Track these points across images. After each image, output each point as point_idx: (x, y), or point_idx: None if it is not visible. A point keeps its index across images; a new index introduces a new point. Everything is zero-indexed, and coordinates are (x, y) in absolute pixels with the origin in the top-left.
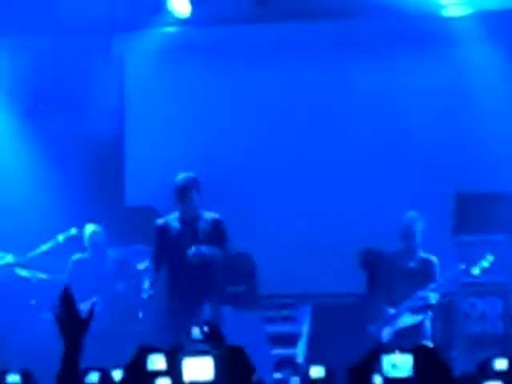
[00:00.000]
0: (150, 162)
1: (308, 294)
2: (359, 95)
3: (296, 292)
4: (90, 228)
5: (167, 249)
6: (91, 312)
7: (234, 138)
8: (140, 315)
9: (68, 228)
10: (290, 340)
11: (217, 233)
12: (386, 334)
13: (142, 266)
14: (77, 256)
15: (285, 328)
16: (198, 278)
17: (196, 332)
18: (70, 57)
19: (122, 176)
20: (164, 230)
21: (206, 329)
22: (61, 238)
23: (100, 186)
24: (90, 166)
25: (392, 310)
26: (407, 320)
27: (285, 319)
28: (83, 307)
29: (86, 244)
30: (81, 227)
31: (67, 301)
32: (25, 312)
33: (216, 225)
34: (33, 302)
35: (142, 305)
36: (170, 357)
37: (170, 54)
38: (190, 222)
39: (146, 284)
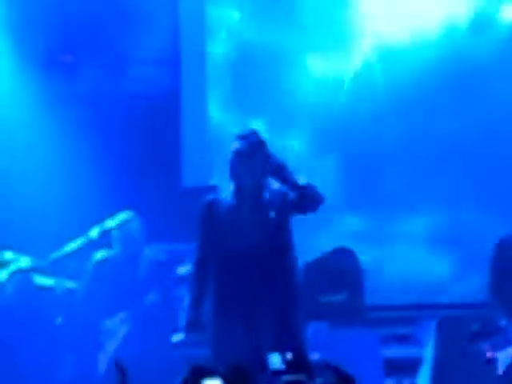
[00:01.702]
0: (216, 127)
1: (432, 305)
2: None
3: (416, 302)
4: (120, 216)
5: (215, 235)
6: None
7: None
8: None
9: (103, 219)
10: (409, 366)
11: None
12: (505, 358)
13: (183, 269)
14: (101, 254)
15: (401, 351)
16: (268, 280)
17: (276, 360)
18: None
19: (178, 148)
20: (212, 208)
21: (289, 356)
22: (94, 232)
23: (149, 162)
24: (134, 136)
25: None
26: None
27: (401, 339)
28: (110, 325)
29: (114, 238)
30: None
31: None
32: (47, 334)
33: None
34: (58, 320)
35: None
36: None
37: None
38: (249, 194)
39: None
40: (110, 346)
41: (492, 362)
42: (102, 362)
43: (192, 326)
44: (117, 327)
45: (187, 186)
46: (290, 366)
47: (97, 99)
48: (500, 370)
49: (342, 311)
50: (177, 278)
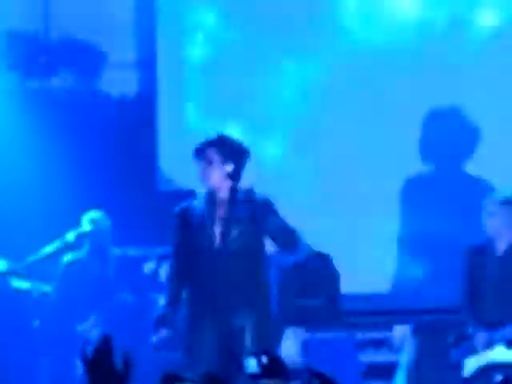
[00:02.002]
0: (193, 130)
1: (407, 310)
2: None
3: (391, 307)
4: (88, 216)
5: (189, 242)
6: (127, 365)
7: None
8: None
9: (80, 222)
10: (385, 372)
11: (265, 216)
12: (471, 366)
13: (150, 266)
14: (69, 257)
15: (377, 356)
16: (240, 285)
17: (252, 364)
18: None
19: (154, 151)
20: (185, 215)
21: (264, 360)
22: (71, 236)
23: (124, 165)
24: (110, 139)
25: (483, 335)
26: (503, 354)
27: (377, 344)
28: (81, 330)
29: (83, 237)
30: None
31: (104, 354)
32: (24, 338)
33: (261, 206)
34: (36, 323)
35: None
36: None
37: None
38: (221, 201)
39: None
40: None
41: (457, 368)
42: (79, 367)
43: (165, 321)
44: (89, 331)
45: (163, 190)
46: (266, 370)
47: (72, 101)
48: (465, 376)
49: (318, 315)
50: (145, 275)
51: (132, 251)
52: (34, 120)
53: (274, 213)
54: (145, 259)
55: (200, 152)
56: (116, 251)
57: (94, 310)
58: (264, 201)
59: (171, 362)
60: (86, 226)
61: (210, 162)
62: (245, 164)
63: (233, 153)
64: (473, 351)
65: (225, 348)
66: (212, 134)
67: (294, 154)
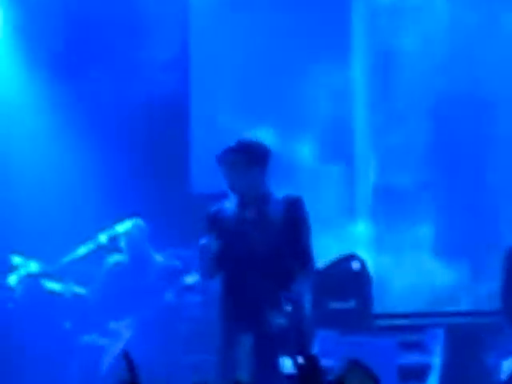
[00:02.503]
0: (225, 132)
1: (440, 313)
2: None
3: (424, 310)
4: (126, 223)
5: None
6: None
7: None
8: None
9: (112, 225)
10: (418, 374)
11: (294, 219)
12: (507, 367)
13: (190, 279)
14: (114, 258)
15: (410, 358)
16: (271, 285)
17: (288, 365)
18: None
19: (187, 153)
20: (216, 218)
21: (301, 360)
22: (103, 238)
23: (157, 167)
24: (143, 141)
25: None
26: None
27: (409, 347)
28: (114, 327)
29: (122, 244)
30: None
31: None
32: (57, 339)
33: (292, 207)
34: (67, 324)
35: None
36: None
37: None
38: (252, 204)
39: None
40: (114, 349)
41: (494, 370)
42: (106, 364)
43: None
44: (121, 330)
45: (196, 192)
46: (303, 370)
47: (105, 103)
48: (503, 378)
49: (351, 318)
50: (185, 286)
51: (176, 261)
52: (66, 122)
53: (301, 220)
54: (185, 267)
55: (224, 158)
56: (158, 257)
57: (131, 312)
58: (294, 202)
59: (199, 364)
60: (119, 228)
61: (234, 167)
62: (268, 166)
63: (256, 156)
64: (509, 353)
65: (258, 349)
66: (235, 140)
67: (326, 157)
